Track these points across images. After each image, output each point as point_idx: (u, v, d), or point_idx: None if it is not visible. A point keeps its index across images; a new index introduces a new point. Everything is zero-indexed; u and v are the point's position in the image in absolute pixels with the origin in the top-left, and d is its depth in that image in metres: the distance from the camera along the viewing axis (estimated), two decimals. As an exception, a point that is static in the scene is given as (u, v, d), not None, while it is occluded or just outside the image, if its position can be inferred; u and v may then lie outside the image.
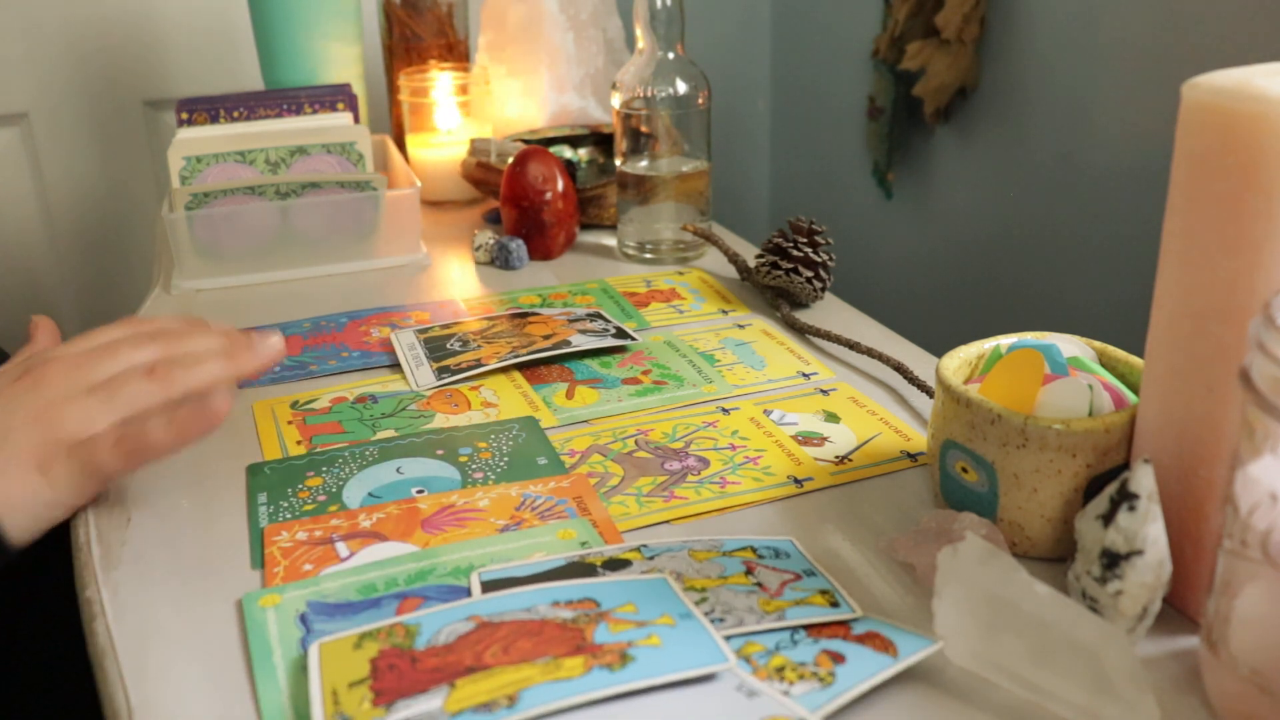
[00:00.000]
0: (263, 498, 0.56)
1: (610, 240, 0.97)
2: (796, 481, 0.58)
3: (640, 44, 0.87)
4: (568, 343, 0.72)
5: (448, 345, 0.73)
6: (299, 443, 0.62)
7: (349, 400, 0.67)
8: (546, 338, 0.73)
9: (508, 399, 0.67)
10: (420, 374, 0.69)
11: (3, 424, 0.51)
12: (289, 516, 0.54)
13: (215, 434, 0.63)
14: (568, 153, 1.05)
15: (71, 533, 0.55)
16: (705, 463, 0.60)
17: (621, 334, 0.74)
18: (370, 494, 0.56)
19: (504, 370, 0.70)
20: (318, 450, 0.61)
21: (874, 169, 1.50)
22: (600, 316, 0.77)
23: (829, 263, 0.81)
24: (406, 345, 0.74)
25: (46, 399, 0.51)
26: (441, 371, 0.69)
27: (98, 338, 0.55)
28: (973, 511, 0.51)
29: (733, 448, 0.61)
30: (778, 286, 0.81)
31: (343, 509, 0.55)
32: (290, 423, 0.65)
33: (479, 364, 0.69)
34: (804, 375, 0.70)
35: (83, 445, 0.51)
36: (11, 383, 0.53)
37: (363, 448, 0.61)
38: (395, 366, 0.72)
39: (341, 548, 0.51)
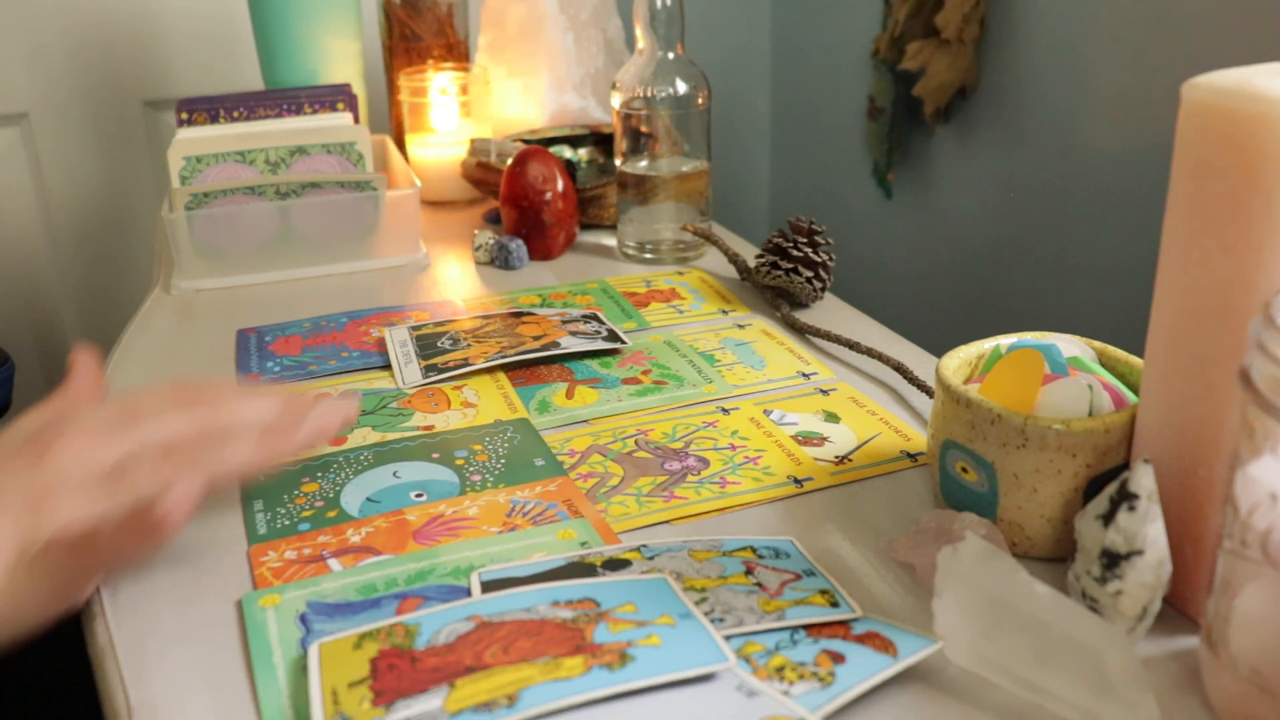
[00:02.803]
0: (258, 505, 0.56)
1: (610, 240, 0.97)
2: (796, 481, 0.58)
3: (640, 44, 0.87)
4: (557, 344, 0.72)
5: (439, 343, 0.73)
6: None
7: (332, 398, 0.67)
8: (537, 338, 0.72)
9: (488, 399, 0.67)
10: (408, 372, 0.69)
11: None
12: (286, 523, 0.54)
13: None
14: (568, 153, 1.05)
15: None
16: (705, 463, 0.60)
17: (613, 337, 0.74)
18: (369, 499, 0.56)
19: (489, 370, 0.70)
20: (311, 456, 0.61)
21: (874, 169, 1.50)
22: (595, 318, 0.77)
23: (829, 263, 0.81)
24: (399, 342, 0.74)
25: (44, 483, 0.44)
26: (429, 370, 0.69)
27: (127, 403, 0.48)
28: (973, 511, 0.51)
29: (733, 448, 0.61)
30: (778, 286, 0.81)
31: (342, 514, 0.55)
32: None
33: (466, 363, 0.69)
34: (804, 375, 0.70)
35: (77, 539, 0.46)
36: (20, 447, 0.45)
37: (357, 452, 0.61)
38: (389, 365, 0.72)
39: (334, 564, 0.51)
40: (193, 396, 0.48)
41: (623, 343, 0.73)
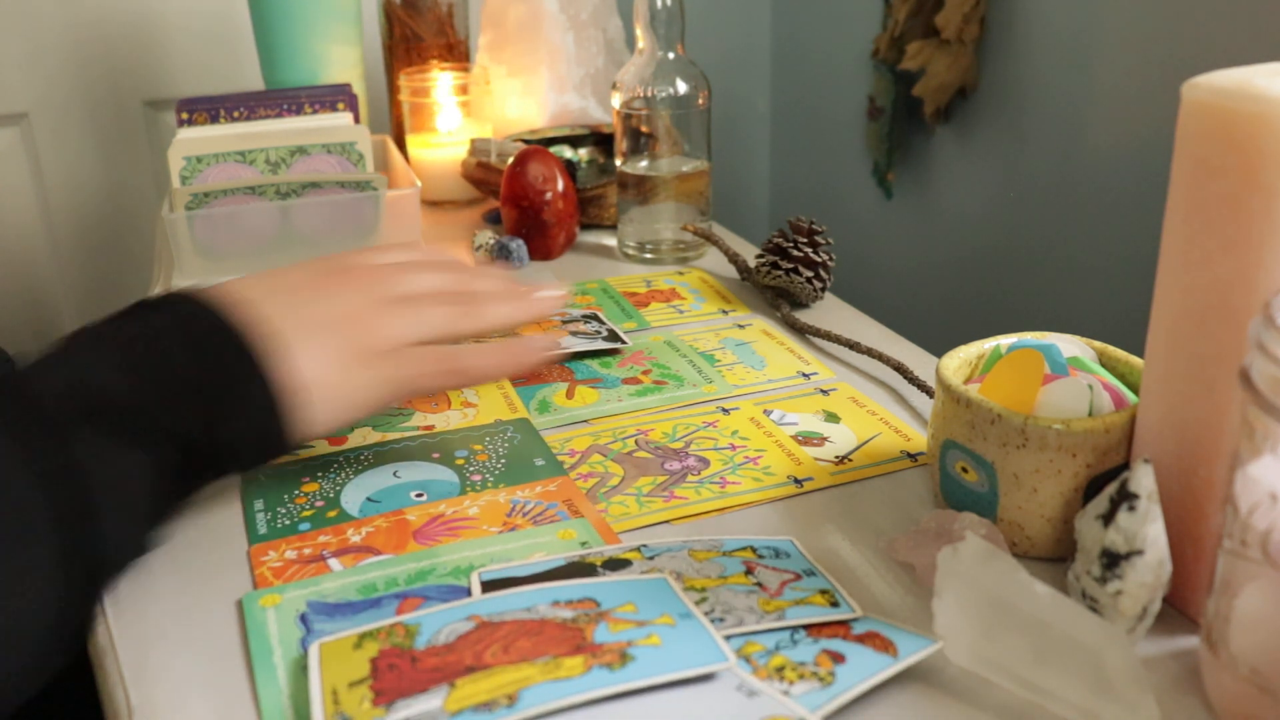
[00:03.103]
0: (259, 504, 0.56)
1: (610, 240, 0.97)
2: (796, 481, 0.58)
3: (640, 44, 0.87)
4: (557, 344, 0.71)
5: None
6: None
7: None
8: None
9: (488, 399, 0.67)
10: None
11: (318, 316, 0.51)
12: (286, 523, 0.54)
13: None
14: (568, 153, 1.05)
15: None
16: (705, 463, 0.60)
17: (614, 336, 0.74)
18: (369, 499, 0.56)
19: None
20: (311, 456, 0.61)
21: (874, 169, 1.50)
22: (595, 318, 0.77)
23: (829, 263, 0.81)
24: None
25: (356, 303, 0.52)
26: None
27: (389, 255, 0.56)
28: (973, 511, 0.51)
29: (733, 448, 0.61)
30: (778, 286, 0.81)
31: (342, 514, 0.55)
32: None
33: None
34: (804, 375, 0.70)
35: (394, 354, 0.52)
36: (319, 277, 0.53)
37: (357, 452, 0.61)
38: (611, 340, 0.72)
39: (334, 564, 0.51)
40: (441, 261, 0.58)
41: (623, 342, 0.73)
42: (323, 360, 0.50)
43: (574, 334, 0.74)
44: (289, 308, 0.50)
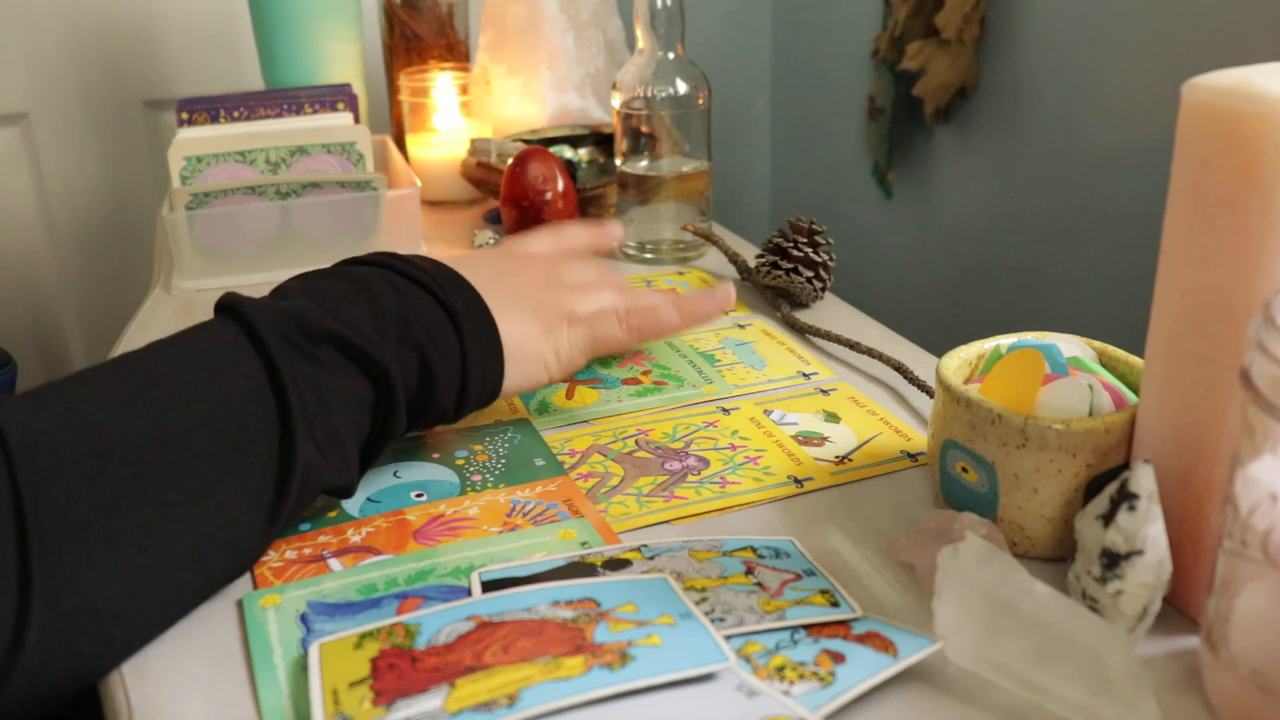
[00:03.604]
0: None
1: (610, 240, 0.97)
2: (796, 481, 0.58)
3: (640, 44, 0.87)
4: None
5: None
6: None
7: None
8: None
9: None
10: None
11: (514, 288, 0.59)
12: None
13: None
14: (568, 153, 1.05)
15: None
16: (705, 463, 0.60)
17: None
18: (369, 499, 0.56)
19: None
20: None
21: (874, 169, 1.50)
22: None
23: (829, 263, 0.81)
24: None
25: (541, 280, 0.62)
26: None
27: (544, 243, 0.67)
28: (973, 511, 0.51)
29: (733, 448, 0.61)
30: (778, 286, 0.81)
31: (342, 514, 0.55)
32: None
33: None
34: (804, 375, 0.70)
35: (580, 319, 0.61)
36: (504, 259, 0.63)
37: (360, 449, 0.61)
38: None
39: (334, 564, 0.51)
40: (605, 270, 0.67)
41: None
42: (523, 323, 0.58)
43: None
44: (490, 279, 0.58)
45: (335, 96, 1.00)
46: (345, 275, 0.54)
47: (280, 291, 0.53)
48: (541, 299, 0.60)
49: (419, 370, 0.53)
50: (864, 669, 0.42)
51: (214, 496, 0.45)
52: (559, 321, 0.60)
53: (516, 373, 0.58)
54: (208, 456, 0.45)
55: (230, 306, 0.50)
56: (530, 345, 0.58)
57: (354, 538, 0.53)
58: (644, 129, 0.88)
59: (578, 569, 0.48)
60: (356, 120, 1.00)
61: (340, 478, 0.50)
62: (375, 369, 0.51)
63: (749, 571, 0.48)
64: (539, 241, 0.67)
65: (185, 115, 0.96)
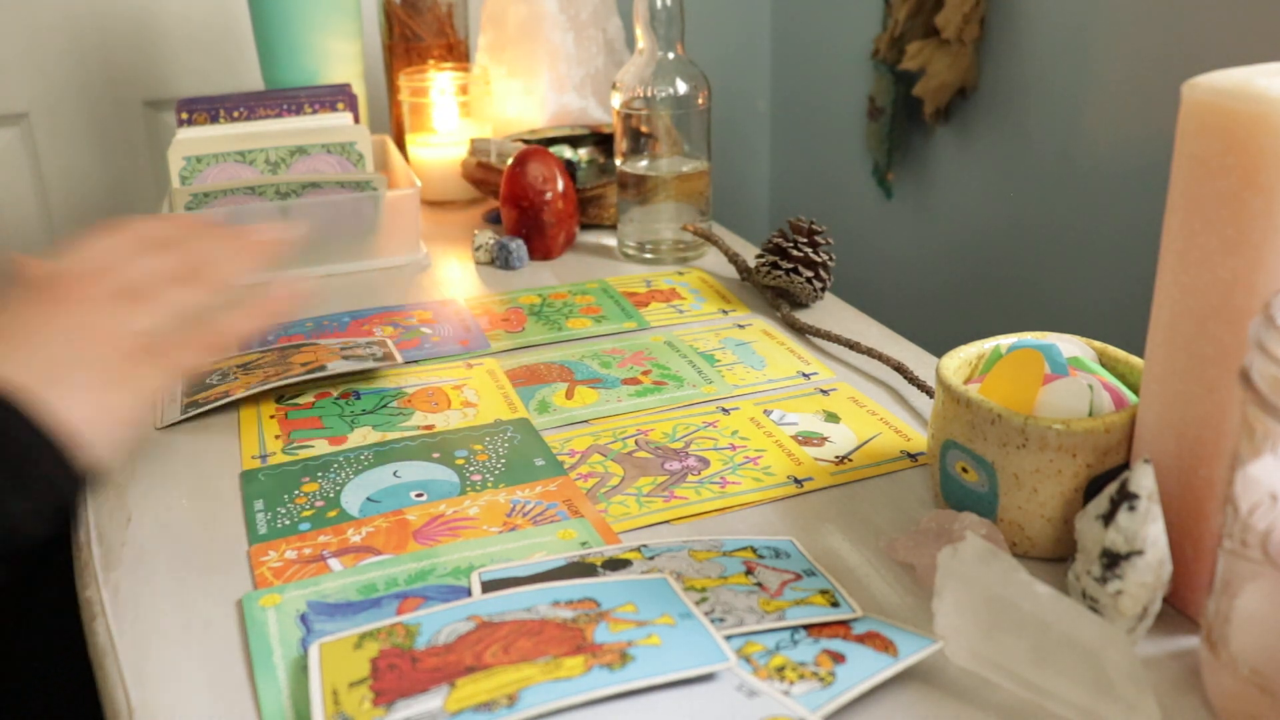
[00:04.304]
0: (259, 504, 0.56)
1: (610, 240, 0.97)
2: (796, 481, 0.58)
3: (640, 44, 0.87)
4: (324, 368, 0.69)
5: (207, 380, 0.70)
6: (277, 437, 0.63)
7: (333, 395, 0.67)
8: (305, 364, 0.70)
9: (488, 399, 0.67)
10: (167, 411, 0.67)
11: (58, 353, 0.48)
12: (287, 523, 0.54)
13: (213, 431, 0.64)
14: (568, 153, 1.05)
15: (71, 532, 0.55)
16: (705, 463, 0.60)
17: (388, 357, 0.71)
18: (369, 499, 0.56)
19: (250, 398, 0.67)
20: (311, 456, 0.61)
21: (874, 169, 1.50)
22: (380, 344, 0.74)
23: (829, 263, 0.81)
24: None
25: (91, 318, 0.50)
26: (189, 406, 0.66)
27: (103, 243, 0.53)
28: (973, 511, 0.51)
29: (733, 448, 0.61)
30: (778, 286, 0.81)
31: (342, 514, 0.55)
32: (272, 417, 0.65)
33: (227, 395, 0.67)
34: (804, 375, 0.70)
35: (147, 349, 0.50)
36: (47, 305, 0.50)
37: (357, 452, 0.61)
38: (383, 360, 0.71)
39: (334, 564, 0.51)
40: (153, 235, 0.54)
41: (396, 361, 0.70)
42: (81, 393, 0.47)
43: (345, 358, 0.71)
44: (27, 358, 0.48)
45: (335, 96, 1.00)
46: None
47: None
48: (88, 352, 0.49)
49: None
50: (864, 669, 0.42)
51: None
52: (116, 370, 0.49)
53: (95, 446, 0.47)
54: None
55: None
56: (94, 416, 0.48)
57: (354, 538, 0.53)
58: (644, 129, 0.88)
59: (578, 569, 0.48)
60: (356, 120, 1.00)
61: None
62: None
63: (749, 571, 0.48)
64: (98, 246, 0.54)
65: (185, 115, 0.96)
